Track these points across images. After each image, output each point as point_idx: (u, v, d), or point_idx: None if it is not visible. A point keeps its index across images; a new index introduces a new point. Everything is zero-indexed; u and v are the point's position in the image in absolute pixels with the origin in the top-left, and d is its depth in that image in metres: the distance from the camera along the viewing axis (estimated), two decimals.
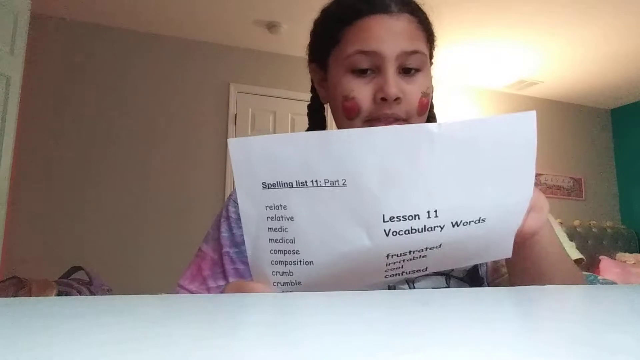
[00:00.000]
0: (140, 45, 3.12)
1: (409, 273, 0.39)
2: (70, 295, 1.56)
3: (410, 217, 0.34)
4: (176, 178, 3.06)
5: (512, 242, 0.39)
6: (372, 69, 0.55)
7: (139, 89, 3.06)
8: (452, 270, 0.56)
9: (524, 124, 0.34)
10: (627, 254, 3.81)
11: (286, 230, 0.35)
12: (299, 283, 0.37)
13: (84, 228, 2.79)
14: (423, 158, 0.34)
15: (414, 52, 0.54)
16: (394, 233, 0.34)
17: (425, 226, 0.34)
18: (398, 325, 0.20)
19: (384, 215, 0.34)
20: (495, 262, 0.58)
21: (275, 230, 0.36)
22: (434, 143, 0.33)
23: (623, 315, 0.23)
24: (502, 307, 0.28)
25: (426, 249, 0.36)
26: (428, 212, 0.34)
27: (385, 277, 0.38)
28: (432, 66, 0.63)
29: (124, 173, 2.95)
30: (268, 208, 0.35)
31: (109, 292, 1.75)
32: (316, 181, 0.34)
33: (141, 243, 2.90)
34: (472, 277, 0.58)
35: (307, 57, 0.65)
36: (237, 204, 0.63)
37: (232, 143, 0.35)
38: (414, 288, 0.55)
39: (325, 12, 0.61)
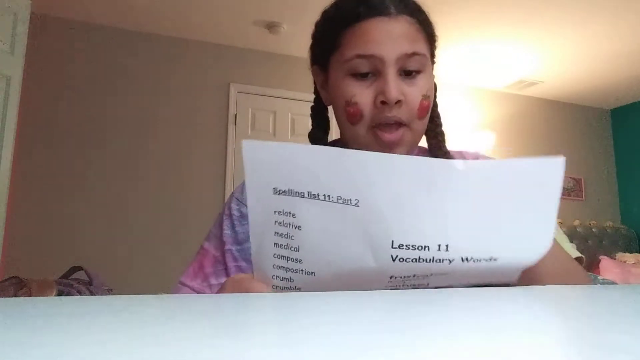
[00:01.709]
0: (140, 45, 3.12)
1: (411, 287, 0.39)
2: (70, 295, 1.56)
3: (420, 248, 0.34)
4: (176, 178, 3.05)
5: (520, 272, 0.38)
6: (372, 72, 0.55)
7: (139, 89, 3.06)
8: None
9: (550, 170, 0.33)
10: (627, 254, 3.81)
11: (292, 238, 0.35)
12: (298, 289, 0.37)
13: (84, 228, 2.79)
14: (441, 191, 0.33)
15: (414, 54, 0.54)
16: (401, 259, 0.34)
17: (433, 257, 0.34)
18: (399, 325, 0.20)
19: (393, 242, 0.34)
20: None
21: (281, 235, 0.35)
22: (457, 179, 0.33)
23: (623, 315, 0.23)
24: (502, 306, 0.28)
25: (430, 275, 0.36)
26: (439, 245, 0.34)
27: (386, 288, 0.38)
28: (435, 65, 0.62)
29: (123, 173, 2.95)
30: (277, 213, 0.35)
31: (109, 292, 1.75)
32: (328, 196, 0.34)
33: (141, 243, 2.90)
34: None
35: (309, 59, 0.65)
36: (240, 202, 0.63)
37: (246, 145, 0.34)
38: None
39: (326, 15, 0.60)
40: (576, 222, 3.97)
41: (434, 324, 0.21)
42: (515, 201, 0.34)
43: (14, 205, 2.42)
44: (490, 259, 0.34)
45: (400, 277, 0.35)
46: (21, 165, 2.53)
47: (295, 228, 0.35)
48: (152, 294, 0.33)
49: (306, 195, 0.34)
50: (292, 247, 0.35)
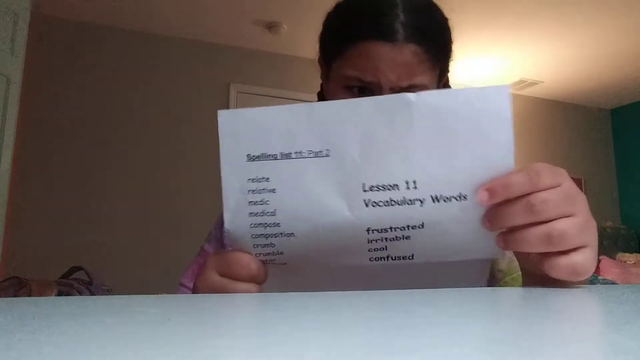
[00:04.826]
0: (140, 45, 3.12)
1: (395, 259, 0.38)
2: (70, 295, 1.56)
3: (390, 187, 0.35)
4: (176, 178, 3.06)
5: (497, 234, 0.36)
6: (369, 90, 0.55)
7: (138, 89, 3.06)
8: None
9: (497, 96, 0.34)
10: (627, 254, 3.81)
11: (267, 202, 0.36)
12: (281, 253, 0.38)
13: (84, 228, 2.79)
14: (401, 126, 0.34)
15: (410, 87, 0.53)
16: (374, 204, 0.35)
17: (404, 197, 0.35)
18: (398, 325, 0.20)
19: (364, 184, 0.35)
20: (491, 267, 0.58)
21: (256, 203, 0.36)
22: (412, 111, 0.34)
23: (623, 315, 0.23)
24: (501, 307, 0.28)
25: (408, 227, 0.36)
26: (407, 182, 0.35)
27: (370, 259, 0.38)
28: (448, 77, 0.61)
29: (123, 173, 2.95)
30: (250, 181, 0.36)
31: (109, 292, 1.75)
32: (300, 152, 0.35)
33: (141, 243, 2.90)
34: None
35: (318, 47, 0.63)
36: None
37: (222, 115, 0.36)
38: None
39: (338, 12, 0.59)
40: None
41: (432, 324, 0.21)
42: (469, 128, 0.34)
43: (14, 205, 2.42)
44: (460, 197, 0.35)
45: (378, 231, 0.36)
46: (21, 165, 2.53)
47: (270, 192, 0.36)
48: (152, 294, 0.33)
49: (279, 156, 0.35)
50: (268, 212, 0.36)
